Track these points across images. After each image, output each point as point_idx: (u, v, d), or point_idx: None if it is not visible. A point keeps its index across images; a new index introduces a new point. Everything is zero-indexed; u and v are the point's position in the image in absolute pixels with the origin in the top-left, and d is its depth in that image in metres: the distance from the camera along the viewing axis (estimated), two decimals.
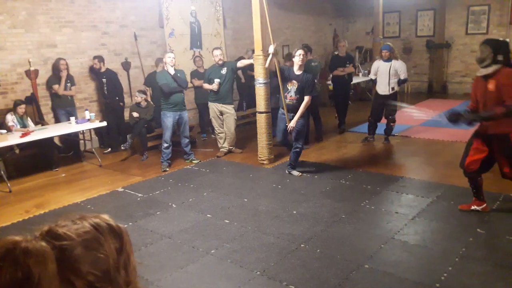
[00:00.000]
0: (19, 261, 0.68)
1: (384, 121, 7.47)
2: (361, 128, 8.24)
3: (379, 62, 7.30)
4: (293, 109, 5.78)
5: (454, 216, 4.41)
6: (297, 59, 5.68)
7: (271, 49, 5.76)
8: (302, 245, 3.92)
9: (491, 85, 3.90)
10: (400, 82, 7.24)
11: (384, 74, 7.14)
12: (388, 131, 7.50)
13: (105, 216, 0.83)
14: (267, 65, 5.94)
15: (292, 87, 5.73)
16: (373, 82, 7.51)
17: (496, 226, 4.12)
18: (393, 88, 7.18)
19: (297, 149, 5.97)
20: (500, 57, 3.85)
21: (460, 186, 5.19)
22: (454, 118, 4.08)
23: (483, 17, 12.22)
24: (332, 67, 8.40)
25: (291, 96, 5.75)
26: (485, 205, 4.41)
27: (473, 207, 4.42)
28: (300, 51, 5.70)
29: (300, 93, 5.71)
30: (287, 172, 6.05)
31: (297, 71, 5.73)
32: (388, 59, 7.13)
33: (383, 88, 7.22)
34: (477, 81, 4.12)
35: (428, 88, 13.45)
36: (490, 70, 3.90)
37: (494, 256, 3.56)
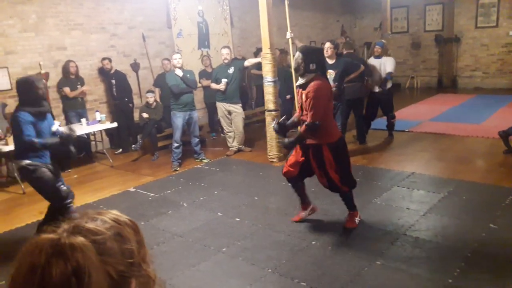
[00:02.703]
0: (68, 256, 0.70)
1: (381, 117, 7.50)
2: (373, 124, 8.19)
3: (370, 60, 7.39)
4: (334, 97, 5.95)
5: (466, 211, 4.38)
6: (324, 52, 6.00)
7: (288, 35, 6.11)
8: (313, 242, 3.93)
9: (304, 95, 3.89)
10: (386, 76, 7.15)
11: (375, 71, 7.17)
12: (391, 127, 7.52)
13: (116, 211, 0.85)
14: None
15: (330, 76, 5.98)
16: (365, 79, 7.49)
17: (509, 221, 4.08)
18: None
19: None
20: (312, 66, 3.81)
21: (472, 181, 5.16)
22: (282, 131, 4.10)
23: (493, 10, 12.08)
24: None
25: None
26: (312, 206, 4.35)
27: (301, 214, 4.36)
28: (328, 44, 6.11)
29: (340, 80, 6.06)
30: None
31: (330, 61, 6.09)
32: (379, 56, 7.14)
33: (374, 85, 7.27)
34: (298, 90, 4.10)
35: (438, 83, 13.34)
36: (303, 80, 3.90)
37: (507, 252, 3.53)
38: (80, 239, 0.73)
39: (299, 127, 4.11)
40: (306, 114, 3.89)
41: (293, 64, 3.99)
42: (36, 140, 3.87)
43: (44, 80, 4.10)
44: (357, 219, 4.20)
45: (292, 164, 4.12)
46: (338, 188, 4.03)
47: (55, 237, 0.74)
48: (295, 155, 4.12)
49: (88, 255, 0.71)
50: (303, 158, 4.04)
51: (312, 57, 3.86)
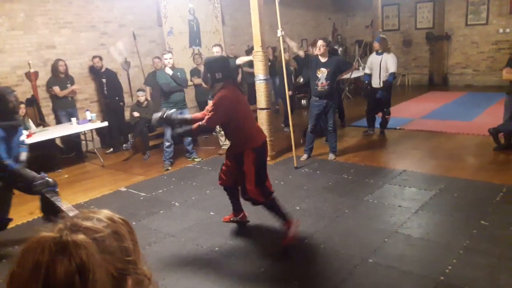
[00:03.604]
0: (72, 253, 0.70)
1: (380, 114, 7.51)
2: (362, 122, 8.22)
3: (372, 56, 7.41)
4: (326, 95, 6.05)
5: (458, 208, 4.41)
6: (316, 50, 6.09)
7: (279, 33, 6.04)
8: (305, 241, 3.93)
9: (211, 103, 3.84)
10: (389, 78, 7.16)
11: (376, 67, 7.22)
12: (384, 124, 7.54)
13: (107, 211, 0.85)
14: (295, 49, 6.43)
15: (322, 74, 5.99)
16: (365, 77, 7.52)
17: (500, 218, 4.11)
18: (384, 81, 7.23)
19: (330, 129, 6.30)
20: (218, 75, 3.81)
21: (463, 178, 5.19)
22: (168, 122, 3.99)
23: (482, 7, 12.15)
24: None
25: (322, 83, 6.01)
26: (242, 214, 4.37)
27: (232, 218, 4.41)
28: (320, 42, 6.04)
29: (332, 78, 6.00)
30: (329, 158, 6.39)
31: (322, 59, 6.03)
32: (380, 52, 7.14)
33: (375, 81, 7.31)
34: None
35: (429, 81, 13.40)
36: (213, 91, 3.90)
37: (498, 248, 3.56)
38: (82, 237, 0.73)
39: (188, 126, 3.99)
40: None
41: (202, 77, 3.99)
42: (8, 162, 3.79)
43: (15, 92, 3.99)
44: (293, 229, 3.85)
45: (225, 173, 4.11)
46: (254, 199, 3.86)
47: (57, 234, 0.73)
48: (226, 165, 4.10)
49: (91, 253, 0.71)
50: (233, 167, 4.01)
51: (216, 66, 3.82)
